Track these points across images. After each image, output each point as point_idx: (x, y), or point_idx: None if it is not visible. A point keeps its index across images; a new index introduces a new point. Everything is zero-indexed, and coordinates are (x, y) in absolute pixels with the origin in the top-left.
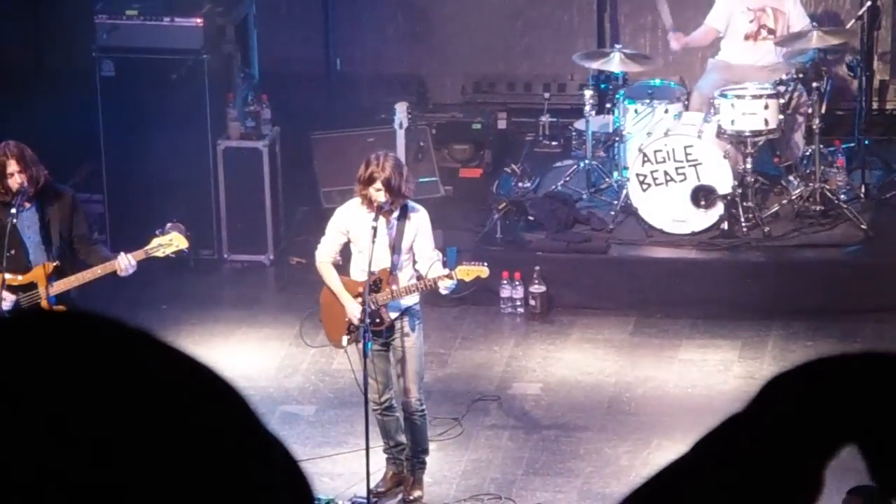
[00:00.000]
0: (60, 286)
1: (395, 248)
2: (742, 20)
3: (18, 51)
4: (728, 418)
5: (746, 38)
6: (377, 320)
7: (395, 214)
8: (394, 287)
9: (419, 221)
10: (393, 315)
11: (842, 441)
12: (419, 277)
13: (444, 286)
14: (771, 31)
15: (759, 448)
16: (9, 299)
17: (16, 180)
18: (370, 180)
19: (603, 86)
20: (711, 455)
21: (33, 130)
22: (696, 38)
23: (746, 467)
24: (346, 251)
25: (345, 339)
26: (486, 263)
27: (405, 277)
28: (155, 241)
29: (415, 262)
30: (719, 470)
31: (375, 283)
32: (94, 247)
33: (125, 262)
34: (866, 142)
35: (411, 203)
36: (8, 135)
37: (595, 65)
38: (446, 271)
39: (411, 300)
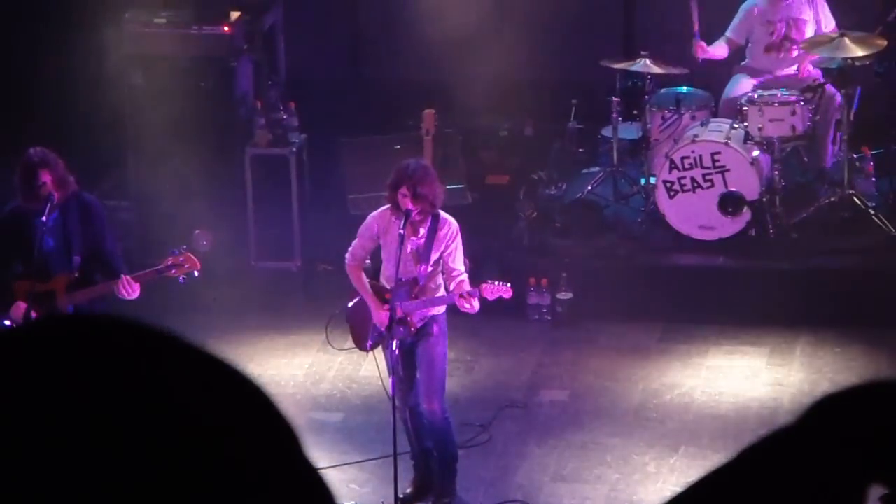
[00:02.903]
0: (78, 297)
1: (424, 258)
2: (762, 32)
3: (47, 58)
4: (776, 430)
5: (768, 50)
6: (402, 329)
7: (427, 225)
8: (422, 297)
9: (450, 234)
10: (418, 323)
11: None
12: (446, 290)
13: (468, 305)
14: (794, 42)
15: (807, 464)
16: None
17: (46, 188)
18: (397, 186)
19: (631, 89)
20: (757, 465)
21: (62, 138)
22: (717, 50)
23: (792, 481)
24: (377, 256)
25: (370, 343)
26: (509, 284)
27: (433, 288)
28: (169, 261)
29: (441, 273)
30: (764, 481)
31: (404, 292)
32: (110, 259)
33: (124, 289)
34: (895, 148)
35: (444, 215)
36: (36, 142)
37: (622, 65)
38: (472, 289)
39: (437, 308)
